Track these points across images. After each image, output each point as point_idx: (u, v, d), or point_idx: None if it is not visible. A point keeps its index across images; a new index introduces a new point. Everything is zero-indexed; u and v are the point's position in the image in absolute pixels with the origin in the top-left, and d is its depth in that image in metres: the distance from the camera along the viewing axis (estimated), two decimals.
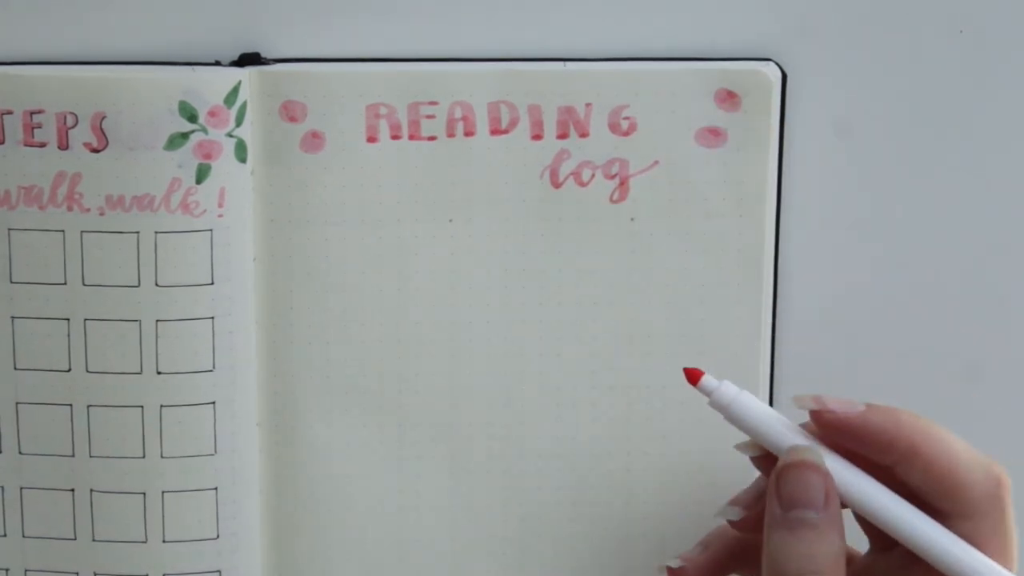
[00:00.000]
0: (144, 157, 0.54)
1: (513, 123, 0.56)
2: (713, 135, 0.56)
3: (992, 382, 0.60)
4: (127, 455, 0.56)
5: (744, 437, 0.52)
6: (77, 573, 0.57)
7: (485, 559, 0.58)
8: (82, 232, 0.55)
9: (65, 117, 0.54)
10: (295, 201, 0.56)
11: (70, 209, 0.55)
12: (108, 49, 0.55)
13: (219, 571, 0.57)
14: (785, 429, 0.51)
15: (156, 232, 0.55)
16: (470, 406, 0.58)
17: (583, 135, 0.56)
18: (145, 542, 0.57)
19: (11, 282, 0.55)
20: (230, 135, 0.55)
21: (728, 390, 0.51)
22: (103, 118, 0.54)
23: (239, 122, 0.55)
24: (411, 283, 0.57)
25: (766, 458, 0.52)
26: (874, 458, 0.50)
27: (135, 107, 0.54)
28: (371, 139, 0.56)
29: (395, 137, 0.56)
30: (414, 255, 0.57)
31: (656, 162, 0.56)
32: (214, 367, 0.56)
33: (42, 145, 0.54)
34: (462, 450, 0.58)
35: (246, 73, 0.55)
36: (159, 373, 0.56)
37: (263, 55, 0.55)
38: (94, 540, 0.57)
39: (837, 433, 0.51)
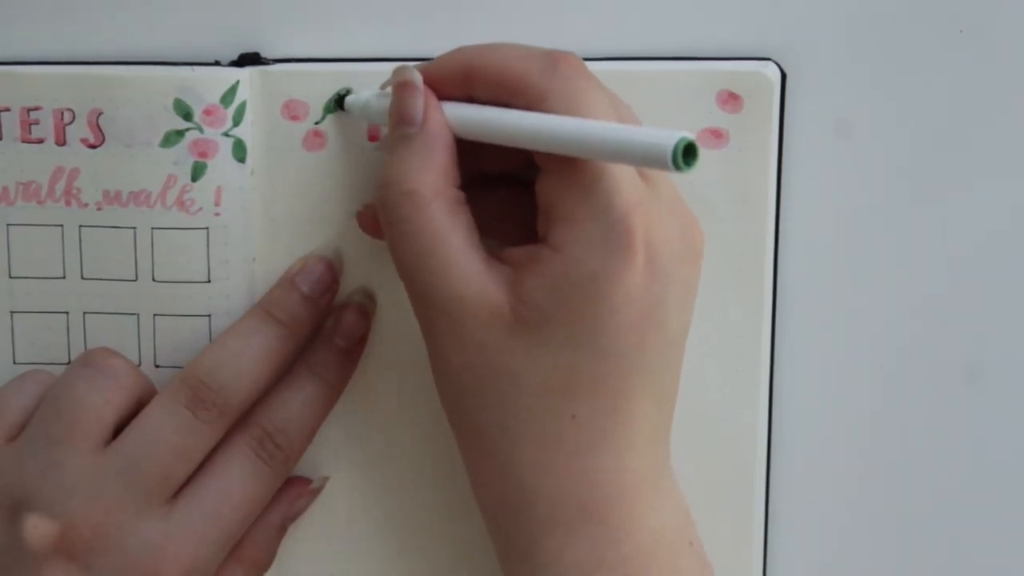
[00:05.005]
0: (140, 153, 0.54)
1: None
2: (715, 136, 0.56)
3: (992, 382, 0.60)
4: None
5: None
6: None
7: (484, 559, 0.58)
8: (80, 227, 0.55)
9: (62, 113, 0.54)
10: (296, 201, 0.56)
11: (68, 204, 0.55)
12: (108, 50, 0.55)
13: None
14: None
15: (153, 228, 0.55)
16: None
17: None
18: None
19: (10, 277, 0.56)
20: (227, 134, 0.54)
21: (363, 92, 0.54)
22: (100, 114, 0.54)
23: (237, 122, 0.55)
24: None
25: None
26: (462, 96, 0.51)
27: (131, 104, 0.54)
28: (373, 138, 0.56)
29: None
30: None
31: None
32: None
33: (40, 141, 0.55)
34: None
35: (246, 73, 0.55)
36: (157, 367, 0.56)
37: (263, 55, 0.55)
38: None
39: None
